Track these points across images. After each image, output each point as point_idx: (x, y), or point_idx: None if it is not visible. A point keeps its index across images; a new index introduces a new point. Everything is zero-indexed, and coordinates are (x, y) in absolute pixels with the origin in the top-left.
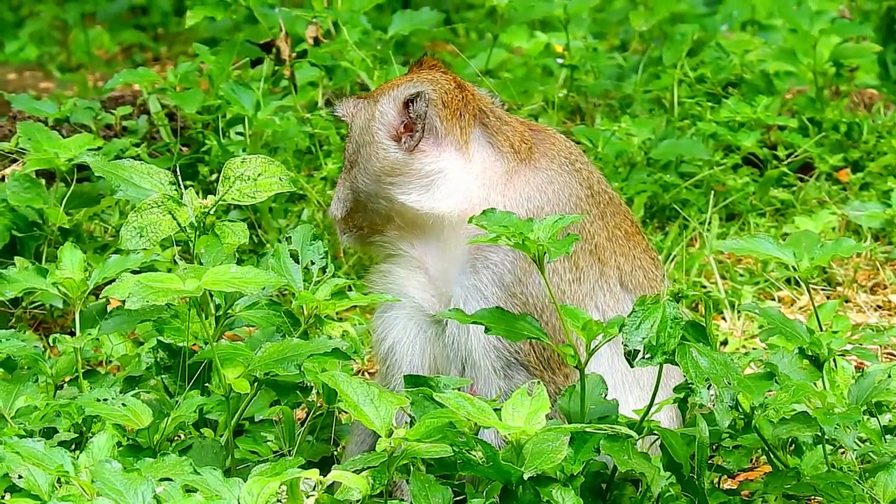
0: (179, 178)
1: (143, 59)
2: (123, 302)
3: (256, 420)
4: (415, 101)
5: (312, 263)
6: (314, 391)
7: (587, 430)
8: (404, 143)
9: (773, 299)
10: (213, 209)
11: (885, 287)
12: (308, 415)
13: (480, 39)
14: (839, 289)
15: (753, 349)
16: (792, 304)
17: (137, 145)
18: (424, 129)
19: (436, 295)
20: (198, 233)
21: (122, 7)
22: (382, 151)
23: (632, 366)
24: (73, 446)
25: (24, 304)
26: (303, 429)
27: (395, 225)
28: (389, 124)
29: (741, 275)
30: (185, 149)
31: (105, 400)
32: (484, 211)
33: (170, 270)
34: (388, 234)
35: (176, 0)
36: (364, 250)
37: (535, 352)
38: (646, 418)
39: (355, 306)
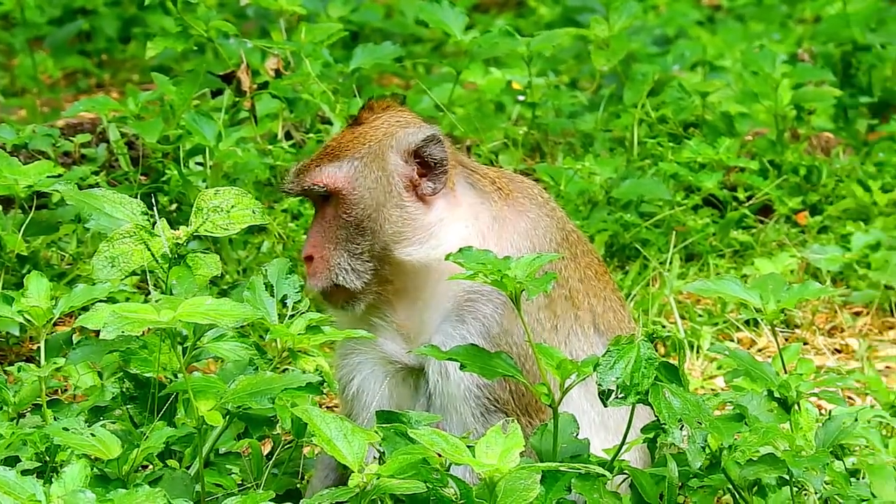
0: (156, 209)
1: (87, 85)
2: (93, 331)
3: (221, 452)
4: (427, 146)
5: (287, 297)
6: (279, 424)
7: (560, 468)
8: (424, 191)
9: (732, 340)
10: (185, 240)
11: (843, 330)
12: (273, 448)
13: (428, 74)
14: (797, 331)
15: (712, 390)
16: (751, 346)
17: (97, 173)
18: (444, 174)
19: (407, 343)
20: (170, 264)
21: (68, 33)
22: (401, 207)
23: (605, 405)
24: (36, 475)
25: None
26: (270, 462)
27: (388, 285)
28: (405, 175)
29: (700, 315)
30: (144, 178)
31: (72, 429)
32: (460, 249)
33: (128, 300)
34: (375, 295)
35: (121, 27)
36: (352, 317)
37: (513, 398)
38: (616, 458)
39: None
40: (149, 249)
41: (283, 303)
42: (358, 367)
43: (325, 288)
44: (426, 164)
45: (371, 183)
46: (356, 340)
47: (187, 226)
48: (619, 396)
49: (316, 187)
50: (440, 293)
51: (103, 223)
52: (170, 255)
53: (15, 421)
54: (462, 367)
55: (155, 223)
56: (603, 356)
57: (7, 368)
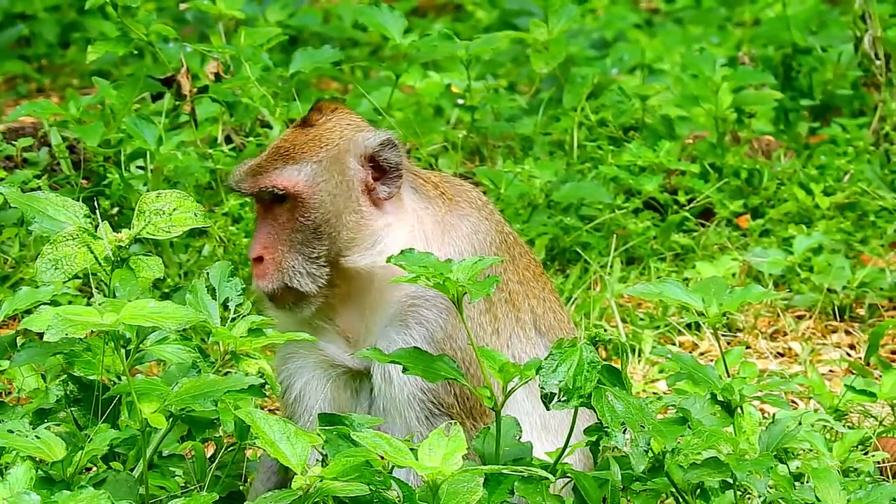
0: (98, 212)
1: (27, 90)
2: (37, 334)
3: (165, 455)
4: (384, 150)
5: (229, 300)
6: (222, 427)
7: (503, 471)
8: (379, 195)
9: (674, 344)
10: (128, 243)
11: (785, 334)
12: (216, 450)
13: (366, 78)
14: (740, 335)
15: (655, 393)
16: (693, 349)
17: (39, 177)
18: (398, 178)
19: (350, 347)
20: (113, 266)
21: (8, 38)
22: (358, 212)
23: (548, 408)
24: None
25: None
26: (213, 464)
27: (335, 289)
28: (362, 180)
29: (641, 319)
30: (85, 182)
31: (17, 432)
32: (402, 251)
33: (70, 302)
34: (323, 298)
35: (61, 32)
36: (296, 320)
37: (458, 402)
38: (559, 461)
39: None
40: (92, 252)
41: (224, 306)
42: (300, 371)
43: (275, 290)
44: (380, 169)
45: (332, 188)
46: (298, 343)
47: (129, 229)
48: (562, 400)
49: (275, 189)
50: (385, 298)
51: (46, 226)
52: (112, 258)
53: None
54: (405, 370)
55: (97, 226)
56: (545, 359)
57: None
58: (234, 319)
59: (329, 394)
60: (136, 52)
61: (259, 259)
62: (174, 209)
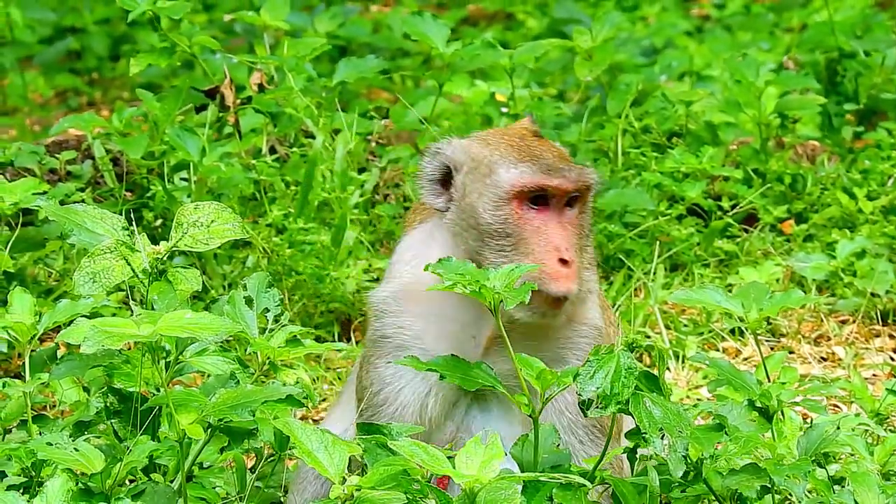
0: (133, 224)
1: (77, 104)
2: (75, 346)
3: (205, 466)
4: None
5: (267, 310)
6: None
7: (540, 478)
8: None
9: (718, 350)
10: (166, 255)
11: (829, 339)
12: (256, 461)
13: (416, 87)
14: (783, 340)
15: (698, 399)
16: (736, 355)
17: (82, 190)
18: None
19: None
20: (150, 279)
21: (58, 52)
22: None
23: (585, 415)
24: (22, 490)
25: None
26: (253, 475)
27: None
28: None
29: (685, 325)
30: (129, 194)
31: (56, 444)
32: (440, 259)
33: (114, 315)
34: None
35: (111, 45)
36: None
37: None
38: (597, 467)
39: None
40: (129, 265)
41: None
42: (403, 373)
43: (572, 293)
44: None
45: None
46: (426, 345)
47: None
48: (599, 406)
49: (593, 185)
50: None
51: (84, 239)
52: (150, 271)
53: (1, 437)
54: (441, 377)
55: (136, 239)
56: (583, 366)
57: None
58: (271, 330)
59: (429, 405)
60: (182, 64)
61: (565, 261)
62: (212, 221)
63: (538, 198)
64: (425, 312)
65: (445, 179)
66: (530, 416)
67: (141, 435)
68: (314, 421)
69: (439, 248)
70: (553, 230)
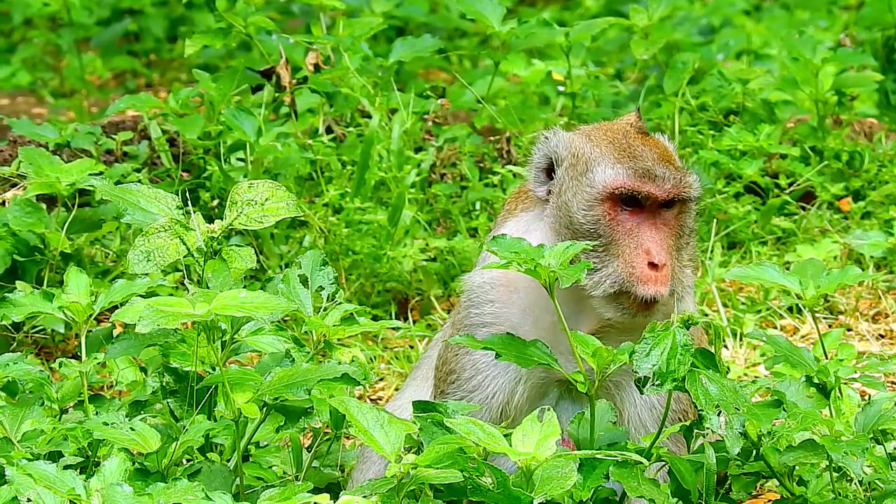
0: (189, 202)
1: (135, 85)
2: (131, 326)
3: (261, 445)
4: None
5: (322, 289)
6: (317, 416)
7: (597, 456)
8: None
9: (775, 327)
10: (220, 234)
11: (887, 316)
12: (312, 440)
13: (474, 67)
14: (841, 317)
15: (756, 377)
16: (794, 333)
17: (138, 170)
18: None
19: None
20: (205, 257)
21: (115, 33)
22: None
23: (642, 392)
24: (79, 470)
25: (25, 328)
26: (309, 454)
27: None
28: None
29: (743, 303)
30: (185, 174)
31: (112, 424)
32: (494, 237)
33: (171, 295)
34: None
35: (168, 26)
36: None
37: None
38: (654, 445)
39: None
40: (184, 243)
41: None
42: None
43: (661, 296)
44: None
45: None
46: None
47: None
48: (656, 383)
49: (692, 193)
50: None
51: (139, 218)
52: (205, 249)
53: (58, 417)
54: (498, 356)
55: (191, 217)
56: (639, 343)
57: (52, 365)
58: (326, 308)
59: (518, 392)
60: (238, 45)
61: (657, 265)
62: (266, 199)
63: (632, 199)
64: (523, 303)
65: (550, 169)
66: (586, 393)
67: (197, 414)
68: (372, 400)
69: (537, 240)
70: (646, 233)
